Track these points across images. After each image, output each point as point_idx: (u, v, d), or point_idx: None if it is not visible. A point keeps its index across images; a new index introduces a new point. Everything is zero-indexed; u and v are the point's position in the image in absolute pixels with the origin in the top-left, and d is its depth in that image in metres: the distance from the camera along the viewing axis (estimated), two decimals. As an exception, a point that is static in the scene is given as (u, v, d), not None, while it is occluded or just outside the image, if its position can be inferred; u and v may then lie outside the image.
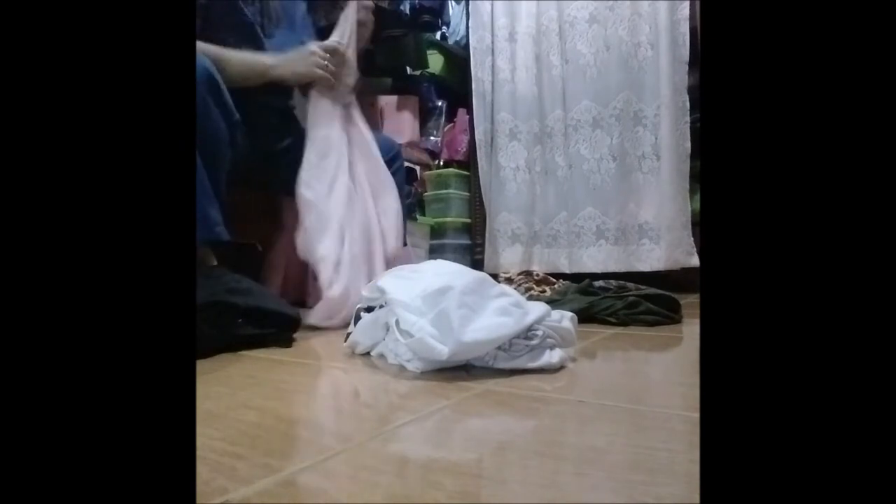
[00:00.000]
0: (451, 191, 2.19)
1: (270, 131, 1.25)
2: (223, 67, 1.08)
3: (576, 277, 1.46)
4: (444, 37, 2.46)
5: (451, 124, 2.32)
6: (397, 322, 0.67)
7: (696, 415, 0.44)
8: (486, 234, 2.07)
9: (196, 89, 0.96)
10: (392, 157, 1.48)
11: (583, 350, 0.77)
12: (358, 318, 0.77)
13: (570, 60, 1.88)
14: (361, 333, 0.75)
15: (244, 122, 1.21)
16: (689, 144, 1.68)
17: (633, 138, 1.77)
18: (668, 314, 1.03)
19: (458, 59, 2.35)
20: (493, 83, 2.08)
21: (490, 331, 0.61)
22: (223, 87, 1.04)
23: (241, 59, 1.17)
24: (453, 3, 2.43)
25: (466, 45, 2.16)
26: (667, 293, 1.07)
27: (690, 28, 1.68)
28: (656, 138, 1.72)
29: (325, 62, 1.20)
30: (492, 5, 2.07)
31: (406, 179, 1.69)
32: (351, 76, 1.27)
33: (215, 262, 1.05)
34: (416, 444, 0.41)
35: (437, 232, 2.17)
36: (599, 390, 0.55)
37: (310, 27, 1.38)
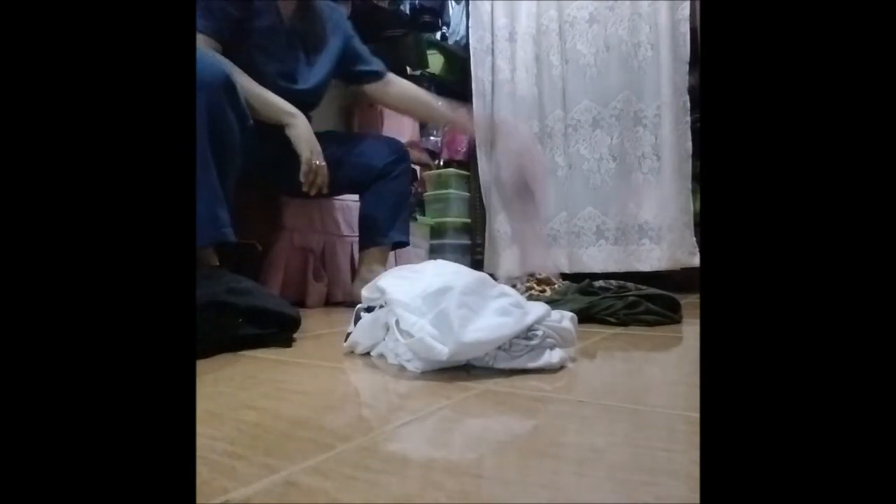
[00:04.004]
0: (451, 191, 2.20)
1: (271, 133, 1.25)
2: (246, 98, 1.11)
3: (576, 277, 1.46)
4: (444, 37, 2.46)
5: (452, 124, 2.32)
6: (397, 322, 0.67)
7: (696, 415, 0.44)
8: (486, 234, 2.08)
9: (214, 92, 0.96)
10: (396, 158, 1.48)
11: (583, 350, 0.77)
12: (358, 318, 0.77)
13: (570, 60, 1.88)
14: (361, 333, 0.75)
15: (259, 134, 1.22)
16: (690, 144, 1.68)
17: (633, 138, 1.77)
18: (668, 314, 1.03)
19: (458, 59, 2.35)
20: (493, 83, 2.08)
21: (490, 331, 0.61)
22: (239, 91, 1.04)
23: (261, 94, 1.21)
24: (453, 3, 2.43)
25: (466, 45, 2.16)
26: (667, 293, 1.07)
27: (690, 28, 1.68)
28: (656, 138, 1.73)
29: (312, 171, 1.26)
30: (492, 5, 2.07)
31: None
32: None
33: (217, 263, 1.05)
34: (416, 444, 0.41)
35: (437, 232, 2.17)
36: (599, 390, 0.55)
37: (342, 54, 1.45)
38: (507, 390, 0.54)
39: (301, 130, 1.25)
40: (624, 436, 0.41)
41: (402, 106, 1.52)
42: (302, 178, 1.26)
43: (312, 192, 1.28)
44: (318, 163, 1.26)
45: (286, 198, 1.53)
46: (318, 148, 1.27)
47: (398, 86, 1.49)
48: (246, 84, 1.16)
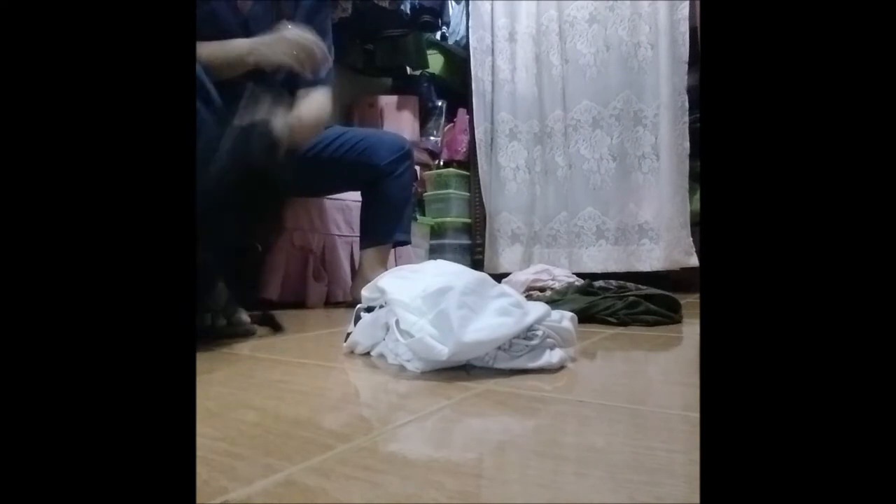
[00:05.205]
0: (451, 191, 2.20)
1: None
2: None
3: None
4: (444, 37, 2.46)
5: (451, 124, 2.32)
6: (397, 322, 0.67)
7: (696, 415, 0.44)
8: (486, 234, 2.08)
9: None
10: (400, 156, 1.46)
11: (583, 350, 0.77)
12: (358, 318, 0.77)
13: (570, 60, 1.88)
14: (361, 333, 0.75)
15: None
16: (688, 144, 1.69)
17: (633, 138, 1.77)
18: (668, 314, 1.03)
19: (458, 59, 2.35)
20: (493, 83, 2.08)
21: (490, 331, 0.61)
22: (209, 86, 1.02)
23: (212, 49, 1.11)
24: (453, 3, 2.43)
25: (466, 45, 2.16)
26: (667, 293, 1.07)
27: (690, 28, 1.68)
28: (656, 138, 1.73)
29: (296, 53, 1.14)
30: (492, 5, 2.07)
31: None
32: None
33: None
34: (416, 444, 0.41)
35: (437, 232, 2.17)
36: (599, 390, 0.55)
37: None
38: (507, 390, 0.54)
39: (265, 51, 1.13)
40: (624, 436, 0.41)
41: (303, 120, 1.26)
42: (305, 69, 1.16)
43: (316, 72, 1.17)
44: (298, 52, 1.14)
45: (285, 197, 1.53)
46: (291, 45, 1.14)
47: (309, 99, 1.27)
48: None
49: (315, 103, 1.27)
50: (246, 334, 0.96)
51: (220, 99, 1.07)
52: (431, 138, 2.30)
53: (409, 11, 2.10)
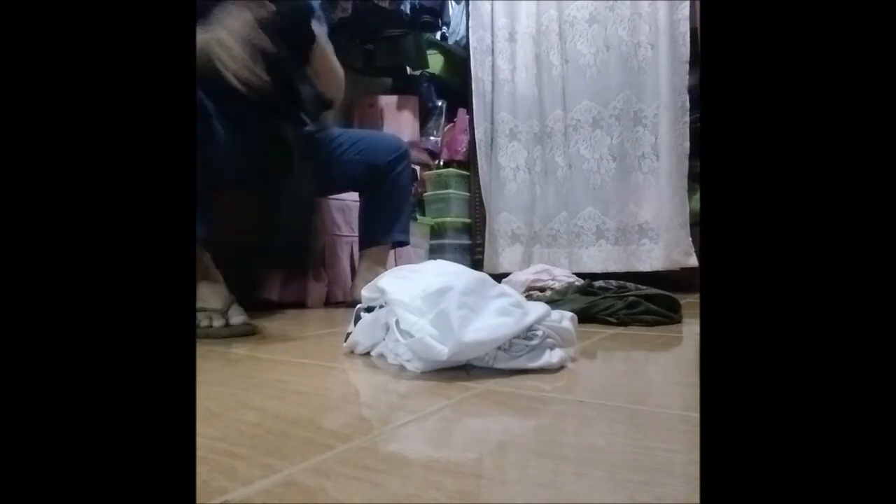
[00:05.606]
0: (451, 191, 2.20)
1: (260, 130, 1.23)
2: None
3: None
4: (444, 37, 2.46)
5: (451, 124, 2.32)
6: (397, 322, 0.67)
7: (696, 415, 0.44)
8: (486, 234, 2.07)
9: None
10: (397, 157, 1.46)
11: (583, 350, 0.77)
12: (358, 318, 0.77)
13: (570, 60, 1.88)
14: (361, 333, 0.75)
15: (235, 123, 1.19)
16: (688, 144, 1.68)
17: (633, 138, 1.77)
18: (668, 314, 1.03)
19: (458, 59, 2.35)
20: (493, 83, 2.08)
21: (490, 331, 0.61)
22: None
23: None
24: (453, 3, 2.43)
25: (466, 45, 2.16)
26: (667, 293, 1.07)
27: (690, 28, 1.68)
28: (656, 138, 1.72)
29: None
30: (492, 5, 2.07)
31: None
32: None
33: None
34: (416, 444, 0.41)
35: (437, 232, 2.17)
36: (599, 390, 0.55)
37: None
38: (507, 390, 0.54)
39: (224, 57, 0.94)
40: (624, 436, 0.41)
41: None
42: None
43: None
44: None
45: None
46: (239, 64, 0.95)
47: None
48: None
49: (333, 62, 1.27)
50: (246, 334, 0.96)
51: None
52: (431, 138, 2.29)
53: (409, 11, 2.10)
